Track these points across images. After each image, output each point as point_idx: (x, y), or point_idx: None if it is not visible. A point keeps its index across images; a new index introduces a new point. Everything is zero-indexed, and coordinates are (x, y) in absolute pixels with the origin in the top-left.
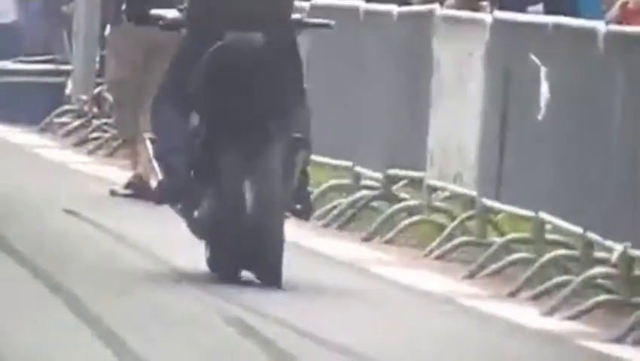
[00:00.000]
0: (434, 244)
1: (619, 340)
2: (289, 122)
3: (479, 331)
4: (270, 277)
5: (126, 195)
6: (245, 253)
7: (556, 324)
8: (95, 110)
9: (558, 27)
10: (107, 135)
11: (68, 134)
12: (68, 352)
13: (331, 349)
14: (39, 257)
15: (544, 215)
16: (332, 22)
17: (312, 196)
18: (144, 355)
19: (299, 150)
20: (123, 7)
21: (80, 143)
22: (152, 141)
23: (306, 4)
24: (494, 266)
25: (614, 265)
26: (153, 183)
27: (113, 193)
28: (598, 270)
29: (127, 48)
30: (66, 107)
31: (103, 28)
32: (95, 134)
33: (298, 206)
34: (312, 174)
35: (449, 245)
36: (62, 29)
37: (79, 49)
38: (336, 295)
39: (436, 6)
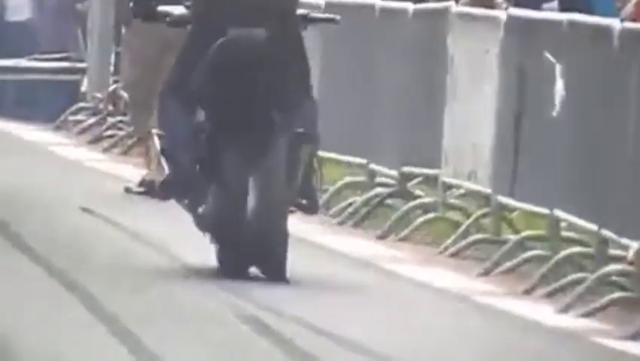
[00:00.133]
0: (449, 241)
1: (634, 337)
2: (293, 117)
3: (494, 328)
4: (276, 272)
5: (140, 193)
6: (249, 249)
7: (571, 321)
8: (110, 107)
9: (573, 24)
10: (122, 133)
11: (83, 131)
12: (83, 350)
13: (348, 347)
14: (54, 255)
15: (558, 212)
16: (337, 17)
17: (327, 194)
18: (159, 352)
19: (303, 145)
20: (131, 4)
21: (95, 140)
22: (159, 137)
23: (322, 2)
24: (509, 264)
25: (630, 263)
26: (161, 179)
27: (127, 191)
28: (613, 267)
29: (141, 48)
30: (81, 104)
31: (117, 26)
32: (110, 132)
33: (304, 201)
34: (327, 171)
35: (463, 243)
36: (76, 27)
37: (94, 46)
38: (351, 292)
39: (451, 3)
